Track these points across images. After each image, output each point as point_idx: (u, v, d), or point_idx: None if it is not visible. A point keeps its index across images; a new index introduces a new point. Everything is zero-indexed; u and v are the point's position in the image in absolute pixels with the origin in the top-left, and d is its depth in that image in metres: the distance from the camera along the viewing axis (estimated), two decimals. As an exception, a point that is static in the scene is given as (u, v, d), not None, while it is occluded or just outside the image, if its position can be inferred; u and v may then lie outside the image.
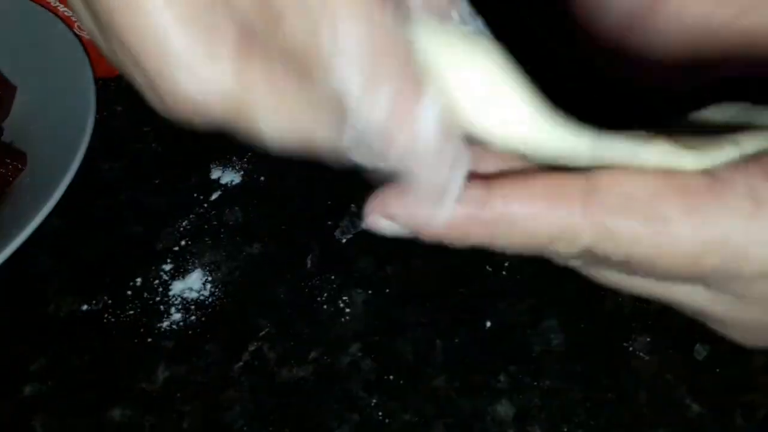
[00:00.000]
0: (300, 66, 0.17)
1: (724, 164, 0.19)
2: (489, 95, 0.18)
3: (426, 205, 0.19)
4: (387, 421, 0.38)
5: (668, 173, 0.19)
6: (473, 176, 0.19)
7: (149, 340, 0.41)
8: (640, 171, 0.19)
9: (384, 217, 0.19)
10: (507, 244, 0.19)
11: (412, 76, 0.17)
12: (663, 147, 0.19)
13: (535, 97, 0.18)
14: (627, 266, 0.19)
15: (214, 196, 0.47)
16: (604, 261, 0.20)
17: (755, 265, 0.19)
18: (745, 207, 0.18)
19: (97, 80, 0.49)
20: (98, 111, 0.47)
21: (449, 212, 0.19)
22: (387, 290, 0.42)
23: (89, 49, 0.50)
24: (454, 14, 0.18)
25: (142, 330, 0.41)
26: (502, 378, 0.39)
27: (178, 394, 0.39)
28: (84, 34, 0.52)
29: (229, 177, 0.48)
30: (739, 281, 0.19)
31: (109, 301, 0.42)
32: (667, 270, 0.19)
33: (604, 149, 0.19)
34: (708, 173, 0.19)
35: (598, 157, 0.19)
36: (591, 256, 0.19)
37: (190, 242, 0.45)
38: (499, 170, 0.20)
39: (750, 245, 0.18)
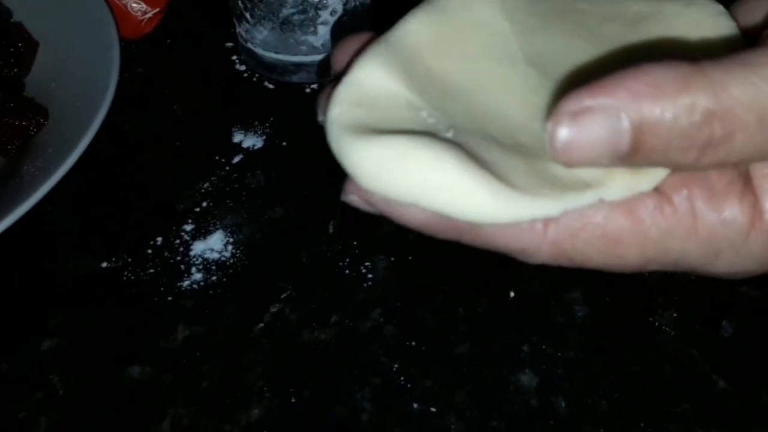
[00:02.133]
0: None
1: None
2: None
3: None
4: (409, 386, 0.37)
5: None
6: None
7: (169, 298, 0.40)
8: None
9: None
10: None
11: None
12: (620, 183, 0.22)
13: (495, 183, 0.22)
14: None
15: (235, 160, 0.47)
16: None
17: None
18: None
19: (119, 41, 0.48)
20: (120, 72, 0.46)
21: None
22: (409, 257, 0.42)
23: (114, 8, 0.50)
24: None
25: (162, 289, 0.40)
26: (525, 348, 0.39)
27: (198, 354, 0.38)
28: (108, -6, 0.51)
29: (251, 141, 0.48)
30: None
31: (129, 260, 0.42)
32: None
33: (570, 203, 0.22)
34: (658, 191, 0.23)
35: (569, 210, 0.22)
36: None
37: (211, 204, 0.44)
38: None
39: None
